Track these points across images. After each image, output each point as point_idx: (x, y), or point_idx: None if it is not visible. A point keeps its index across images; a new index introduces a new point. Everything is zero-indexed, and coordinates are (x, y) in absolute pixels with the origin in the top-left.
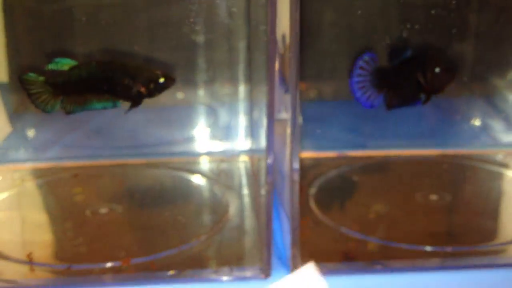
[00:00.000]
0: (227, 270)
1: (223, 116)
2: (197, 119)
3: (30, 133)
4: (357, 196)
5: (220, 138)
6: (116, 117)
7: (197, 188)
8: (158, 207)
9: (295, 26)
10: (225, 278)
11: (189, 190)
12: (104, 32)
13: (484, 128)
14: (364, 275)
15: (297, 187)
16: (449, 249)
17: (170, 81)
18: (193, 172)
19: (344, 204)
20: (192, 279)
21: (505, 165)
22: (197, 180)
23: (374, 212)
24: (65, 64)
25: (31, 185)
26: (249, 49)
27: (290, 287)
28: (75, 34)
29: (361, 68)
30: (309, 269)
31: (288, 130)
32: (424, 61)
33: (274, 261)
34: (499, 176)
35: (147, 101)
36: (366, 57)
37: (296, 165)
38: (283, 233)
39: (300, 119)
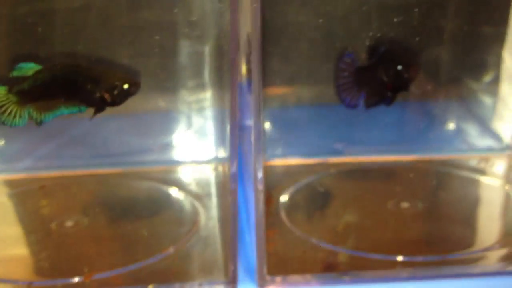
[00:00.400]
0: (194, 284)
1: (195, 123)
2: (169, 126)
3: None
4: (328, 205)
5: (192, 146)
6: (86, 126)
7: (167, 198)
8: (126, 219)
9: (257, 27)
10: None
11: (158, 201)
12: (70, 37)
13: (459, 132)
14: (334, 287)
15: (262, 196)
16: (420, 258)
17: (134, 88)
18: (163, 181)
19: (314, 213)
20: None
21: (479, 171)
22: (167, 190)
23: (345, 222)
24: (29, 69)
25: None
26: (219, 53)
27: None
28: (41, 39)
29: (342, 69)
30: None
31: (252, 138)
32: (387, 58)
33: (242, 273)
34: (472, 182)
35: (120, 108)
36: (345, 58)
37: (260, 174)
38: (251, 244)
39: (265, 126)
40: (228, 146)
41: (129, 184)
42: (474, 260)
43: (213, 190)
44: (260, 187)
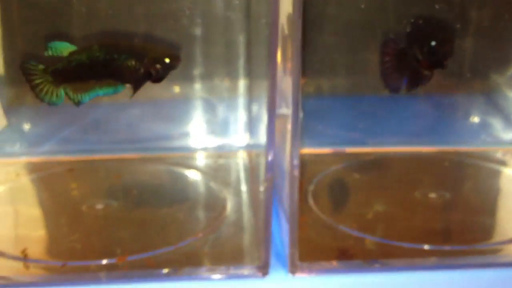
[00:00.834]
0: (224, 268)
1: (222, 111)
2: (195, 113)
3: (26, 126)
4: (355, 194)
5: (218, 133)
6: (112, 111)
7: (195, 184)
8: (155, 203)
9: (298, 16)
10: (222, 276)
11: (186, 186)
12: (101, 23)
13: (484, 125)
14: (362, 274)
15: (297, 183)
16: (447, 247)
17: (176, 61)
18: (190, 167)
19: (342, 201)
20: (188, 277)
21: (504, 163)
22: (195, 176)
23: (372, 210)
24: (63, 48)
25: (26, 180)
26: (249, 42)
27: None
28: (72, 21)
29: (385, 54)
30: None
31: (289, 126)
32: (420, 36)
33: (272, 259)
34: (498, 174)
35: (144, 95)
36: (388, 42)
37: (297, 162)
38: (281, 231)
39: (301, 114)
40: (261, 135)
41: (157, 169)
42: (500, 250)
43: (240, 177)
44: (296, 174)
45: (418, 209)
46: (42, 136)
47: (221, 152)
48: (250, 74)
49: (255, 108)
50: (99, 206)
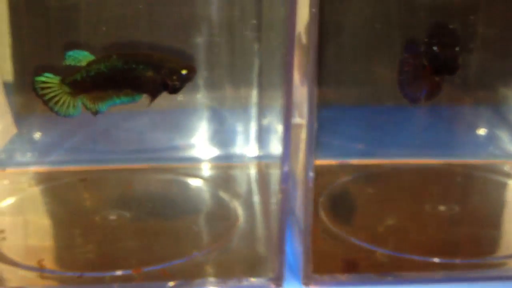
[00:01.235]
0: (237, 280)
1: (231, 120)
2: (204, 123)
3: (36, 135)
4: (365, 206)
5: (228, 144)
6: (122, 119)
7: (206, 195)
8: (167, 213)
9: (315, 24)
10: None
11: (197, 197)
12: (110, 29)
13: (491, 138)
14: (375, 286)
15: (311, 195)
16: (458, 261)
17: (192, 73)
18: (201, 178)
19: (352, 214)
20: None
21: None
22: (205, 186)
23: (383, 223)
24: (82, 58)
25: (38, 190)
26: (260, 51)
27: None
28: (84, 30)
29: (403, 63)
30: None
31: (303, 136)
32: (428, 43)
33: (285, 271)
34: (506, 187)
35: (154, 103)
36: (406, 51)
37: (311, 173)
38: (293, 242)
39: (316, 125)
40: (272, 145)
41: (167, 180)
42: (510, 264)
43: (251, 188)
44: (311, 185)
45: (428, 221)
46: (53, 145)
47: (231, 163)
48: (260, 84)
49: (265, 118)
50: (112, 217)
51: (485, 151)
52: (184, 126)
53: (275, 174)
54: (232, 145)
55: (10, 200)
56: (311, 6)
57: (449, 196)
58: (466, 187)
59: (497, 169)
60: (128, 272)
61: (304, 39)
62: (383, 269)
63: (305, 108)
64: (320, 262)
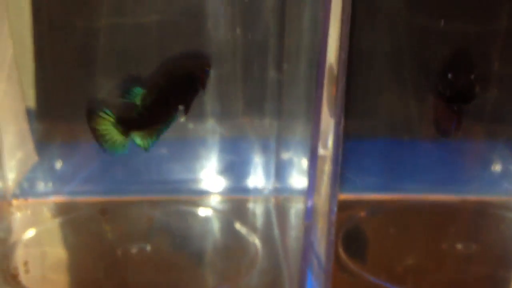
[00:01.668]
0: None
1: (249, 152)
2: (222, 154)
3: (57, 164)
4: (382, 243)
5: (245, 176)
6: (139, 150)
7: (224, 228)
8: (187, 248)
9: (344, 53)
10: None
11: (216, 230)
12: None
13: (506, 174)
14: None
15: (333, 232)
16: None
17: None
18: (219, 211)
19: (370, 251)
20: None
21: None
22: (224, 220)
23: (401, 261)
24: (137, 94)
25: (60, 221)
26: (281, 80)
27: None
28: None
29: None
30: None
31: (327, 168)
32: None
33: None
34: None
35: (171, 132)
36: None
37: (335, 208)
38: (311, 276)
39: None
40: (290, 178)
41: (186, 212)
42: None
43: (270, 221)
44: (333, 220)
45: (446, 260)
46: (74, 174)
47: (250, 196)
48: (280, 114)
49: (284, 150)
50: (134, 250)
51: (500, 187)
52: (202, 156)
53: (293, 208)
54: (251, 178)
55: (32, 232)
56: (341, 48)
57: (466, 234)
58: (482, 225)
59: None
60: None
61: (333, 71)
62: None
63: (330, 140)
64: None
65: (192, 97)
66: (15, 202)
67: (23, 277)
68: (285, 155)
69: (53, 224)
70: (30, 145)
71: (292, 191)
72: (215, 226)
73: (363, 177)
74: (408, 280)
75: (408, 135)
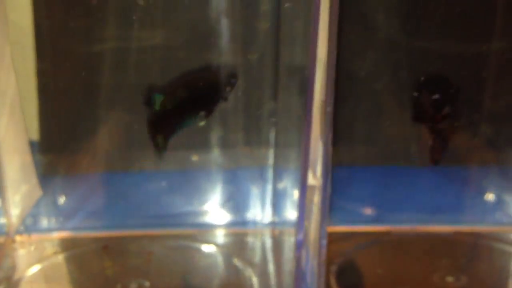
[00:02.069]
0: None
1: (245, 183)
2: (221, 186)
3: (60, 199)
4: (375, 276)
5: (242, 208)
6: (140, 181)
7: (222, 263)
8: (184, 283)
9: (331, 80)
10: None
11: (214, 265)
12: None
13: (499, 203)
14: None
15: (323, 262)
16: None
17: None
18: (217, 245)
19: (363, 283)
20: None
21: None
22: (221, 254)
23: None
24: (157, 101)
25: (62, 257)
26: (275, 111)
27: None
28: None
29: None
30: None
31: (316, 198)
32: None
33: None
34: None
35: (170, 164)
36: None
37: (325, 238)
38: None
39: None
40: (286, 210)
41: (184, 247)
42: None
43: (266, 256)
44: (324, 254)
45: None
46: (75, 209)
47: (247, 229)
48: (277, 144)
49: (280, 180)
50: (133, 286)
51: (492, 217)
52: (201, 188)
53: (289, 241)
54: (247, 210)
55: (36, 268)
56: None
57: (456, 266)
58: (473, 257)
59: (503, 238)
60: None
61: (321, 97)
62: None
63: (318, 169)
64: None
65: (215, 104)
66: (18, 238)
67: None
68: (281, 186)
69: (56, 261)
70: (33, 179)
71: (288, 223)
72: (212, 260)
73: (355, 207)
74: None
75: (402, 163)
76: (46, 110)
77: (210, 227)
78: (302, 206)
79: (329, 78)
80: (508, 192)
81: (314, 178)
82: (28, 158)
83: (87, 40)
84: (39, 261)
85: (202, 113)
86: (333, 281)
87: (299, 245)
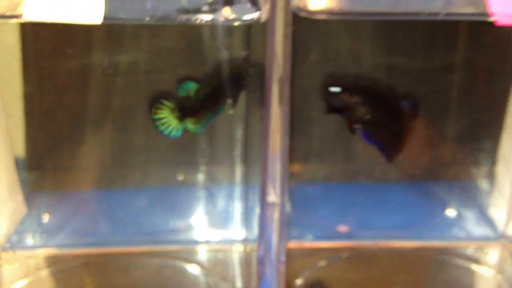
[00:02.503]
0: None
1: (221, 200)
2: (197, 203)
3: (44, 216)
4: None
5: (218, 225)
6: (122, 198)
7: (195, 280)
8: None
9: (285, 96)
10: None
11: (186, 282)
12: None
13: (459, 218)
14: None
15: (283, 279)
16: None
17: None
18: (191, 262)
19: None
20: None
21: (474, 260)
22: (195, 271)
23: None
24: (192, 88)
25: (45, 274)
26: (246, 129)
27: None
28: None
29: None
30: None
31: (276, 214)
32: None
33: None
34: (468, 273)
35: (152, 181)
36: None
37: (283, 257)
38: None
39: (288, 206)
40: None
41: (161, 264)
42: None
43: (237, 272)
44: (282, 270)
45: None
46: (59, 226)
47: (220, 246)
48: (246, 161)
49: (250, 197)
50: None
51: (452, 232)
52: (179, 205)
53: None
54: (221, 226)
55: (21, 283)
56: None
57: (416, 283)
58: (431, 273)
59: (461, 253)
60: None
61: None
62: None
63: (277, 186)
64: None
65: (239, 92)
66: (4, 255)
67: None
68: (250, 203)
69: (39, 277)
70: (19, 197)
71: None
72: (187, 278)
73: (318, 224)
74: None
75: (366, 179)
76: (32, 128)
77: (184, 243)
78: (262, 222)
79: (284, 93)
80: (467, 207)
81: (274, 195)
82: (13, 176)
83: (73, 61)
84: (23, 277)
85: (230, 101)
86: None
87: (260, 261)
